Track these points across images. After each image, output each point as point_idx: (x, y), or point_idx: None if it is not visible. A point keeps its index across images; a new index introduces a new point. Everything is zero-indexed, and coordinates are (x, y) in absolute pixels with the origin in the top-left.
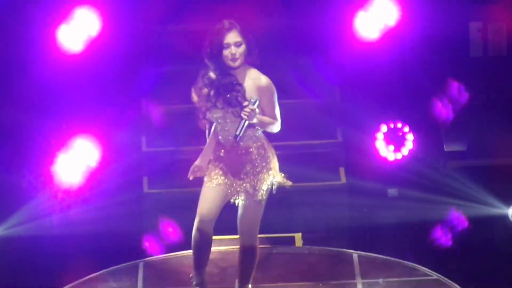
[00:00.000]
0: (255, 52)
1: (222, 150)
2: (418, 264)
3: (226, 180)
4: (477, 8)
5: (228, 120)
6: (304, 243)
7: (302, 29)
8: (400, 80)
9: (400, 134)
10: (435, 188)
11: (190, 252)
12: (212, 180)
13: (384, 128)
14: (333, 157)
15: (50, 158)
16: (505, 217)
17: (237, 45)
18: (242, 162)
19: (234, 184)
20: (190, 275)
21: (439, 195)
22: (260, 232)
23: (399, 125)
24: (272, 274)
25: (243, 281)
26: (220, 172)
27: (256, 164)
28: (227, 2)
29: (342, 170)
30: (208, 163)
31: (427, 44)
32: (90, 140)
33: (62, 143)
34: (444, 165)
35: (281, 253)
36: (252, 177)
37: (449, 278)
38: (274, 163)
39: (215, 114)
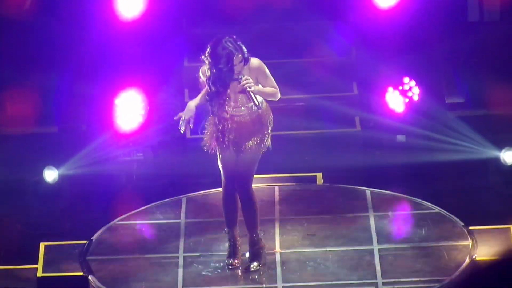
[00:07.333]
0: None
1: (227, 122)
2: (423, 199)
3: (228, 144)
4: None
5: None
6: (324, 181)
7: None
8: (408, 41)
9: (408, 87)
10: (437, 135)
11: None
12: (220, 152)
13: (393, 82)
14: (349, 107)
15: (106, 109)
16: (498, 159)
17: None
18: (240, 130)
19: (232, 145)
20: (225, 229)
21: (440, 141)
22: (288, 172)
23: (406, 79)
24: (296, 208)
25: (249, 229)
26: (223, 142)
27: (251, 131)
28: None
29: (357, 119)
30: (212, 137)
31: (431, 11)
32: (140, 93)
33: (116, 96)
34: (445, 114)
35: (305, 190)
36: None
37: (448, 212)
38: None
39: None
